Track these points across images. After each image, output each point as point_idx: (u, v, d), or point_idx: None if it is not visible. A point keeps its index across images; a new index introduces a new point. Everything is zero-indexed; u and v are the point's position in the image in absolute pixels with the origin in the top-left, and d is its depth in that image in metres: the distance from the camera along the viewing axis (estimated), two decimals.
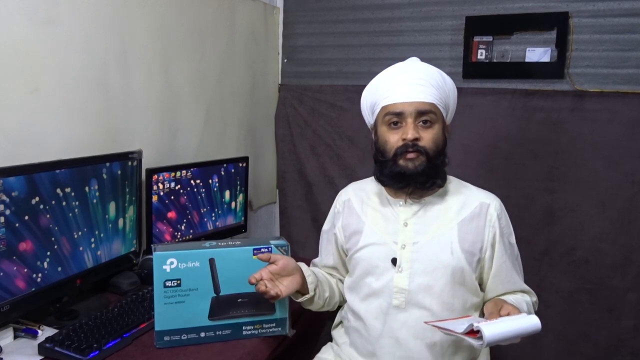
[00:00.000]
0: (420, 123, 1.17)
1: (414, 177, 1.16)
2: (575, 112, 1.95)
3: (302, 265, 1.26)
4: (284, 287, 1.16)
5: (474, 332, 0.98)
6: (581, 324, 2.00)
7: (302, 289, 1.23)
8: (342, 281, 1.36)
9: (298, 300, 1.25)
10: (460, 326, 1.01)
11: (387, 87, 1.21)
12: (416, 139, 1.15)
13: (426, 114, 1.16)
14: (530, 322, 0.98)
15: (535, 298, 1.28)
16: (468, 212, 1.21)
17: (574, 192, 1.98)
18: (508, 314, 1.03)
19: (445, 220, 1.20)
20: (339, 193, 1.39)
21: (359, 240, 1.26)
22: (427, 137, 1.17)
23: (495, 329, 0.96)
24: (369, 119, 1.29)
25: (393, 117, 1.18)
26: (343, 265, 1.36)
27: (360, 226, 1.27)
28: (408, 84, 1.18)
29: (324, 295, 1.29)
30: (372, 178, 1.29)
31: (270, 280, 1.14)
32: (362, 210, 1.30)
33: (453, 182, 1.28)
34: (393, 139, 1.18)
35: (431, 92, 1.17)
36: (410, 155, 1.16)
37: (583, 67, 1.95)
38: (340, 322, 1.37)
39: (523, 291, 1.26)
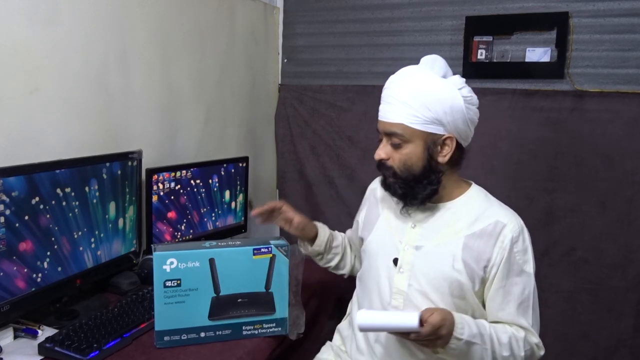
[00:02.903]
0: (393, 143, 1.15)
1: (391, 192, 1.19)
2: (575, 112, 1.95)
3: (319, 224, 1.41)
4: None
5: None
6: (581, 324, 2.00)
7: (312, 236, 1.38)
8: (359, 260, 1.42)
9: (308, 248, 1.39)
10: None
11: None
12: (382, 159, 1.17)
13: (393, 136, 1.14)
14: (407, 318, 0.99)
15: (535, 339, 1.13)
16: (479, 228, 1.14)
17: (574, 192, 1.98)
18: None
19: (453, 230, 1.16)
20: (373, 181, 1.42)
21: (370, 232, 1.29)
22: (397, 158, 1.15)
23: (368, 317, 1.03)
24: None
25: (378, 132, 1.20)
26: (359, 247, 1.39)
27: (375, 219, 1.29)
28: (384, 101, 1.17)
29: (332, 260, 1.41)
30: None
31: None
32: (382, 203, 1.31)
33: (478, 193, 1.21)
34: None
35: (400, 111, 1.11)
36: (384, 173, 1.19)
37: (583, 67, 1.95)
38: (348, 314, 1.38)
39: (520, 327, 1.13)
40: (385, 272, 1.20)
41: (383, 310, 1.07)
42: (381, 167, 1.18)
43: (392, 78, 1.18)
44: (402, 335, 1.05)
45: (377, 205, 1.32)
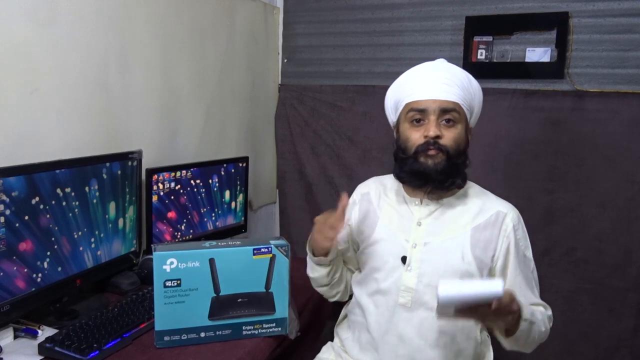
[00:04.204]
0: (443, 122, 1.16)
1: (433, 175, 1.15)
2: (575, 112, 1.95)
3: None
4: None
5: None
6: (581, 324, 2.00)
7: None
8: (351, 271, 1.37)
9: (315, 261, 1.28)
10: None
11: (412, 85, 1.20)
12: (438, 137, 1.15)
13: (449, 113, 1.16)
14: (492, 284, 0.95)
15: (549, 312, 1.22)
16: (483, 219, 1.20)
17: (574, 192, 1.98)
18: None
19: (459, 224, 1.20)
20: (359, 185, 1.40)
21: (371, 235, 1.27)
22: (449, 136, 1.16)
23: (450, 288, 0.96)
24: (392, 116, 1.29)
25: (416, 113, 1.18)
26: (355, 260, 1.36)
27: (374, 221, 1.28)
28: (433, 82, 1.18)
29: (338, 268, 1.31)
30: (392, 175, 1.28)
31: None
32: (378, 205, 1.30)
33: (473, 187, 1.27)
34: (415, 136, 1.18)
35: (455, 92, 1.17)
36: (431, 152, 1.15)
37: (583, 67, 1.95)
38: (345, 317, 1.37)
39: (536, 304, 1.21)
40: (392, 271, 1.21)
41: (461, 282, 1.02)
42: (433, 145, 1.15)
43: (435, 64, 1.23)
44: (481, 308, 0.99)
45: (372, 208, 1.31)
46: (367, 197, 1.34)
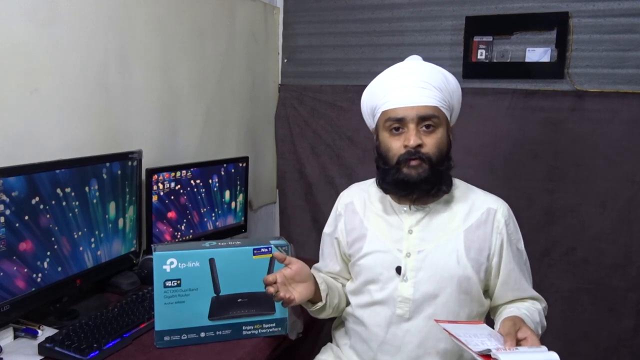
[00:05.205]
0: (423, 128, 1.12)
1: (417, 184, 1.12)
2: (575, 112, 1.96)
3: (314, 272, 1.25)
4: (298, 293, 1.12)
5: (488, 356, 0.93)
6: (581, 324, 2.00)
7: (314, 297, 1.19)
8: (343, 284, 1.34)
9: (310, 310, 1.23)
10: (474, 340, 0.97)
11: (386, 91, 1.15)
12: (419, 146, 1.11)
13: (429, 119, 1.11)
14: (549, 358, 0.93)
15: (544, 304, 1.23)
16: (474, 219, 1.17)
17: (574, 192, 1.98)
18: (525, 339, 0.97)
19: (451, 228, 1.16)
20: (340, 194, 1.35)
21: (362, 247, 1.22)
22: (431, 143, 1.12)
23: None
24: (370, 122, 1.25)
25: (394, 122, 1.13)
26: (347, 270, 1.32)
27: (363, 232, 1.23)
28: (409, 87, 1.13)
29: (333, 302, 1.26)
30: (374, 180, 1.25)
31: (283, 284, 1.11)
32: (364, 214, 1.25)
33: (460, 186, 1.23)
34: (395, 145, 1.13)
35: (433, 95, 1.12)
36: (414, 163, 1.11)
37: (583, 67, 1.95)
38: (342, 323, 1.35)
39: (532, 298, 1.22)
40: (386, 283, 1.18)
41: (517, 352, 0.95)
42: (415, 155, 1.11)
43: (409, 66, 1.17)
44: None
45: (359, 219, 1.26)
46: (351, 207, 1.28)
